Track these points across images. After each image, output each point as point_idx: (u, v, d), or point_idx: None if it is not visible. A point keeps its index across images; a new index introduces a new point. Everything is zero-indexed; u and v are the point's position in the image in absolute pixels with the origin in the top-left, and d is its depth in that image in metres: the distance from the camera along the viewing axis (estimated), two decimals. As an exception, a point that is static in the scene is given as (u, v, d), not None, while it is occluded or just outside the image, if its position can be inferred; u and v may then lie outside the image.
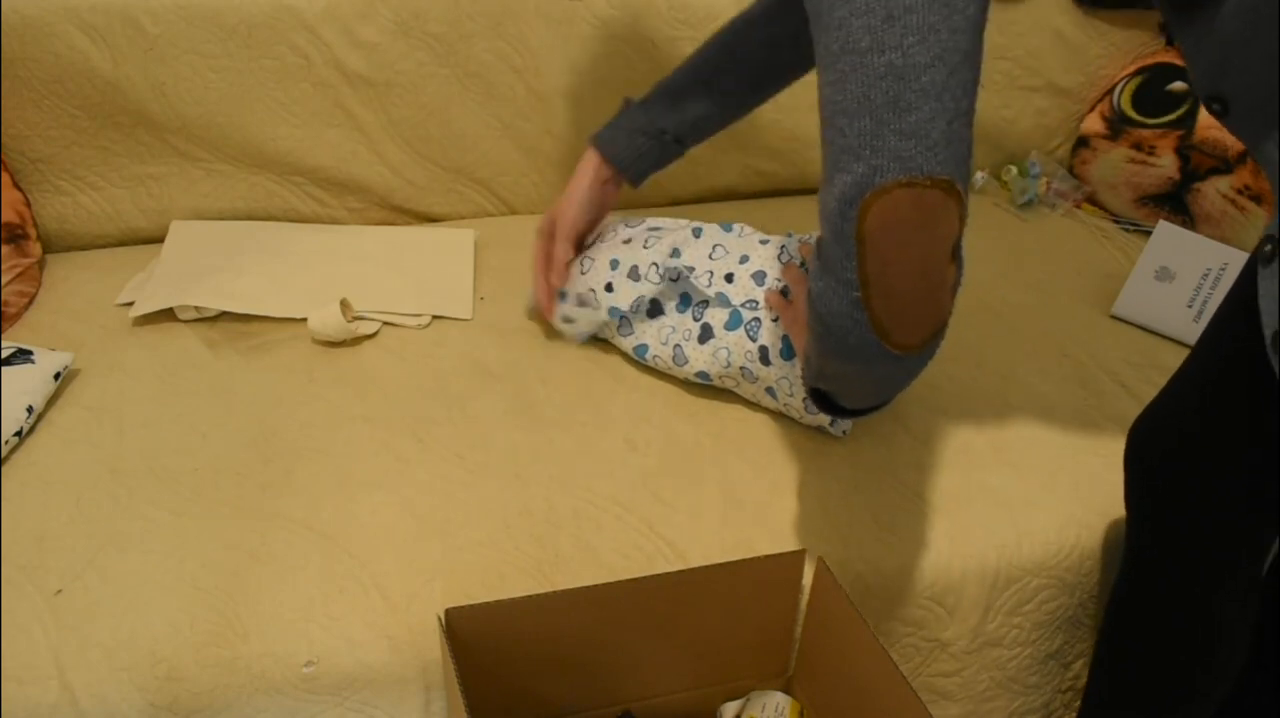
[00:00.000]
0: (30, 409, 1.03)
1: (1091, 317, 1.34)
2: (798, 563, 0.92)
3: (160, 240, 1.34)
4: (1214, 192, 1.44)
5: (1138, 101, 1.56)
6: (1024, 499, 1.05)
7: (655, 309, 1.16)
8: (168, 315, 1.21)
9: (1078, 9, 1.56)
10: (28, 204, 1.30)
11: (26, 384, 1.04)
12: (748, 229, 1.17)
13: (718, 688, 0.98)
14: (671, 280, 1.14)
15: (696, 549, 0.96)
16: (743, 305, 1.09)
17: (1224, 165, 1.45)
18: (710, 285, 1.11)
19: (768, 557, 0.91)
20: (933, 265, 0.66)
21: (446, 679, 0.85)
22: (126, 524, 0.94)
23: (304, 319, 1.20)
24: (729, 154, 1.56)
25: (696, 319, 1.12)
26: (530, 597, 0.85)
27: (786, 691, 0.99)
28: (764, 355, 1.07)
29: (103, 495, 0.97)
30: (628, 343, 1.17)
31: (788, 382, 1.06)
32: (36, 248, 1.29)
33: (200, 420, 1.06)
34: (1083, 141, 1.64)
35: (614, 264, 1.15)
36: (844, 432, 1.09)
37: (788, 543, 0.98)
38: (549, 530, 0.97)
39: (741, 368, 1.09)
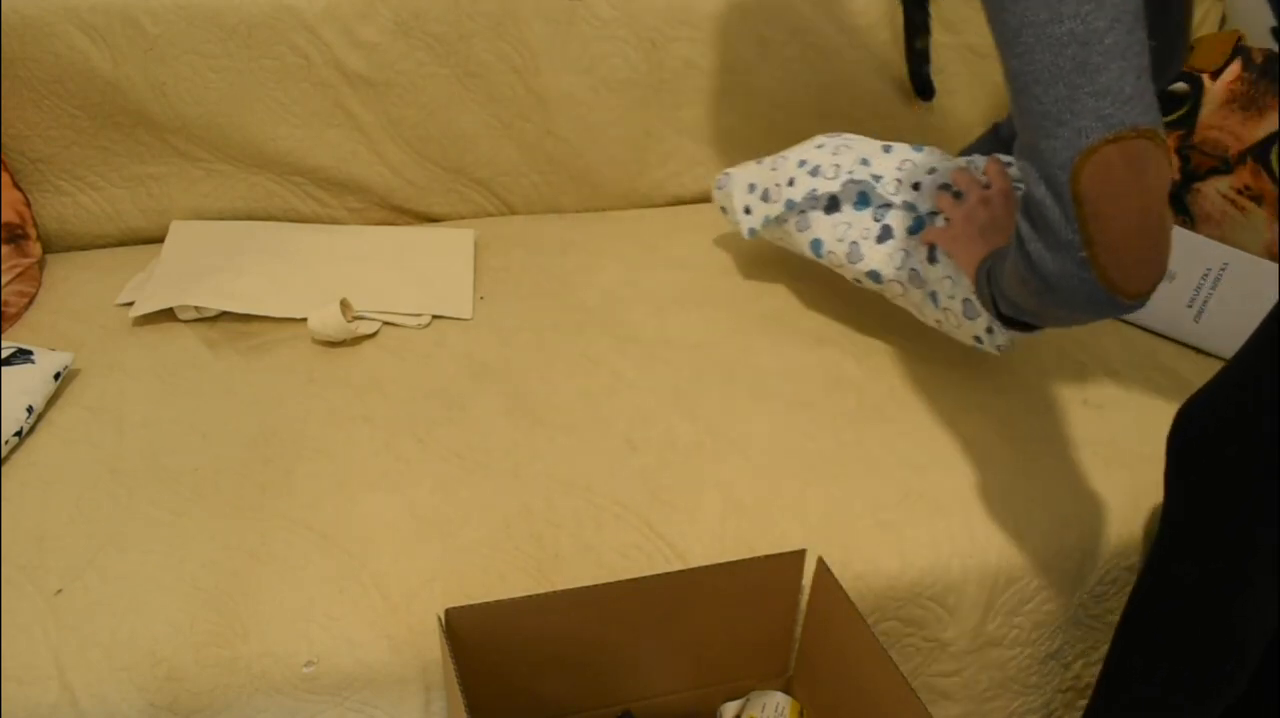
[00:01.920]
0: (30, 409, 1.03)
1: (1091, 317, 1.34)
2: (798, 563, 0.92)
3: (160, 240, 1.34)
4: (1214, 192, 1.44)
5: (1138, 101, 1.56)
6: (1024, 499, 1.05)
7: (833, 205, 1.19)
8: (168, 315, 1.21)
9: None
10: (28, 204, 1.30)
11: (26, 384, 1.04)
12: (937, 150, 1.21)
13: (718, 688, 0.98)
14: (852, 182, 1.17)
15: (696, 549, 0.96)
16: (928, 213, 1.13)
17: (1224, 165, 1.45)
18: (896, 193, 1.15)
19: (768, 557, 0.91)
20: (1152, 213, 0.70)
21: (446, 679, 0.85)
22: (126, 524, 0.94)
23: (304, 319, 1.20)
24: (729, 154, 1.56)
25: (878, 220, 1.16)
26: (530, 597, 0.85)
27: (786, 691, 0.99)
28: (931, 254, 1.10)
29: (103, 495, 0.97)
30: (804, 238, 1.21)
31: (950, 281, 1.09)
32: (36, 248, 1.29)
33: (200, 420, 1.06)
34: (1083, 141, 1.63)
35: (801, 163, 1.22)
36: (999, 347, 1.10)
37: (788, 543, 0.98)
38: (549, 530, 0.97)
39: (912, 269, 1.12)
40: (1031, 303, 0.81)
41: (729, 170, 1.33)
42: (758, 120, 1.54)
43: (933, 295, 1.12)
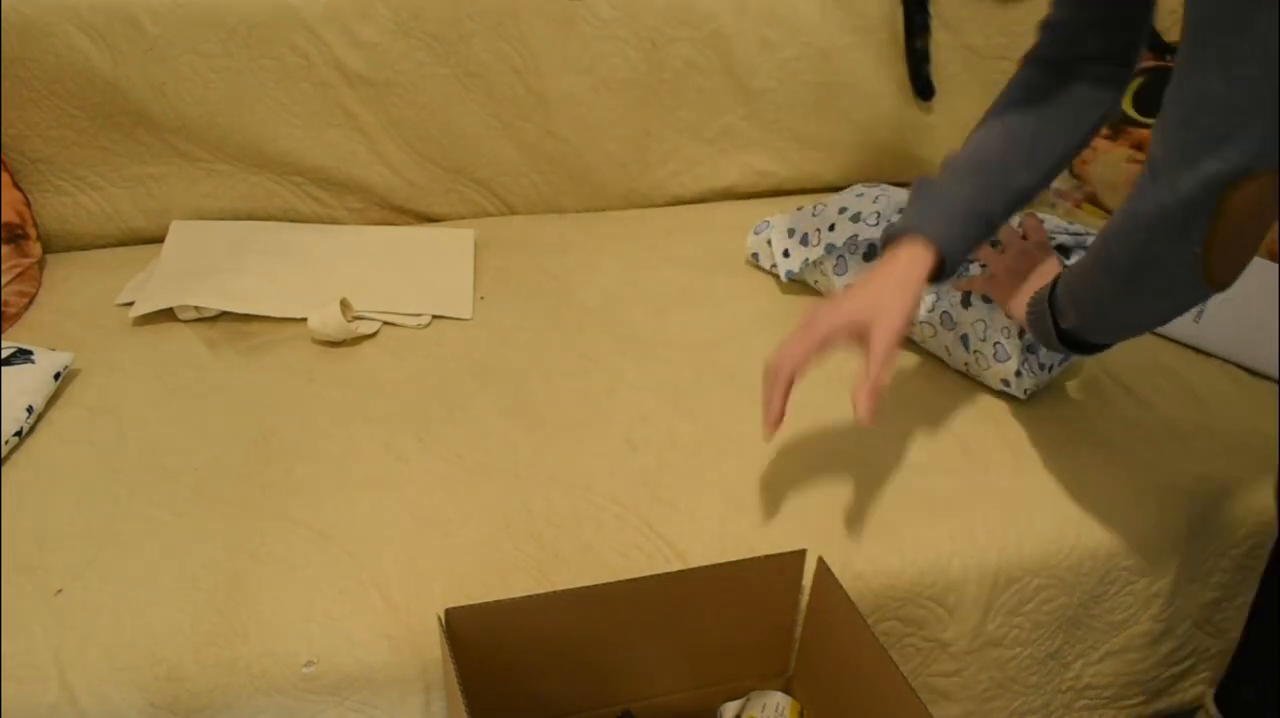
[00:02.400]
0: (30, 409, 1.03)
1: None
2: (798, 563, 0.92)
3: (160, 240, 1.34)
4: (1214, 192, 1.44)
5: (1139, 102, 1.56)
6: (1024, 499, 1.05)
7: (871, 253, 1.24)
8: (168, 315, 1.21)
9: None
10: (28, 204, 1.30)
11: (26, 384, 1.04)
12: None
13: (718, 688, 0.98)
14: None
15: (696, 549, 0.96)
16: None
17: (1224, 165, 1.45)
18: None
19: (768, 557, 0.91)
20: (1266, 230, 0.76)
21: (446, 679, 0.85)
22: (126, 524, 0.94)
23: (304, 319, 1.20)
24: (729, 154, 1.56)
25: None
26: (530, 597, 0.85)
27: (786, 691, 0.99)
28: (965, 299, 1.15)
29: (103, 496, 0.97)
30: (840, 281, 1.27)
31: (983, 324, 1.13)
32: (36, 248, 1.29)
33: (200, 420, 1.06)
34: (1083, 142, 1.63)
35: (842, 210, 1.28)
36: (1025, 390, 1.14)
37: (788, 543, 0.98)
38: (549, 530, 0.97)
39: (944, 313, 1.17)
40: (1115, 288, 0.83)
41: (769, 218, 1.38)
42: (758, 120, 1.54)
43: (964, 338, 1.16)
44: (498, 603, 0.84)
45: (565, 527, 0.97)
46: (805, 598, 0.95)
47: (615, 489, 1.01)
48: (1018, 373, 1.12)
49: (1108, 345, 0.97)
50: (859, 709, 0.88)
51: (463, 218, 1.48)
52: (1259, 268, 1.31)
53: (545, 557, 0.94)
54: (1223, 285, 0.79)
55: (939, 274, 0.92)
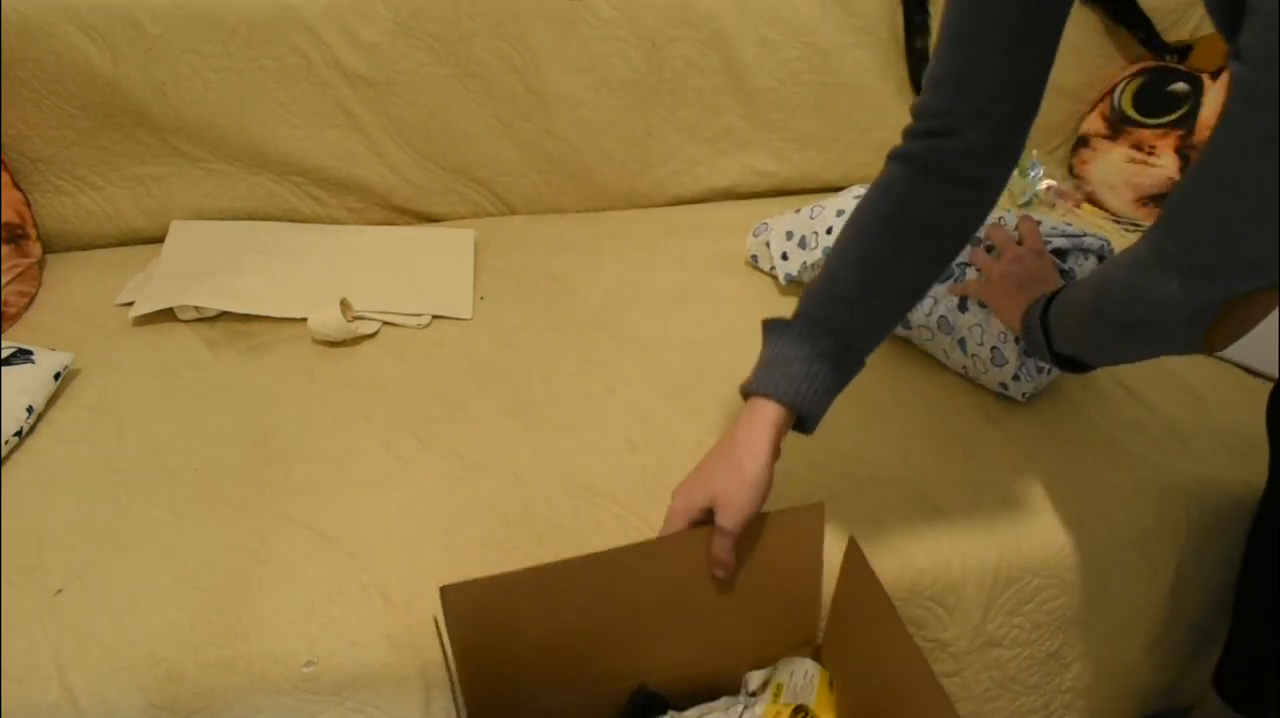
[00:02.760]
0: (30, 409, 1.03)
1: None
2: (817, 517, 0.89)
3: (160, 240, 1.34)
4: (1214, 192, 1.44)
5: (1138, 102, 1.56)
6: (1024, 499, 1.05)
7: None
8: (168, 315, 1.21)
9: (1078, 8, 1.55)
10: (28, 204, 1.30)
11: (26, 384, 1.04)
12: None
13: (741, 658, 0.95)
14: None
15: (696, 549, 0.96)
16: (958, 264, 1.16)
17: (1224, 165, 1.45)
18: None
19: (784, 511, 0.87)
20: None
21: (445, 660, 0.84)
22: (126, 524, 0.94)
23: (304, 319, 1.20)
24: (729, 154, 1.56)
25: None
26: (531, 569, 0.82)
27: (815, 659, 0.97)
28: (962, 304, 1.15)
29: (103, 495, 0.97)
30: None
31: (980, 329, 1.13)
32: (36, 248, 1.29)
33: (200, 420, 1.06)
34: (1083, 141, 1.64)
35: (839, 213, 1.27)
36: (1024, 394, 1.14)
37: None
38: (549, 530, 0.97)
39: (941, 317, 1.16)
40: (1114, 339, 0.80)
41: (767, 220, 1.37)
42: (758, 120, 1.55)
43: (961, 342, 1.16)
44: (498, 578, 0.81)
45: (565, 527, 0.97)
46: (827, 558, 0.92)
47: (615, 489, 1.01)
48: (1015, 377, 1.12)
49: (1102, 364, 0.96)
50: (886, 691, 0.86)
51: (463, 218, 1.48)
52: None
53: (545, 557, 0.94)
54: (1214, 349, 0.76)
55: (802, 424, 0.87)
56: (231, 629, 0.86)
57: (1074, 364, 0.94)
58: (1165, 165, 1.51)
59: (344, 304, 1.20)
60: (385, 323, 1.23)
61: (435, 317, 1.25)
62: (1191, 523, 1.06)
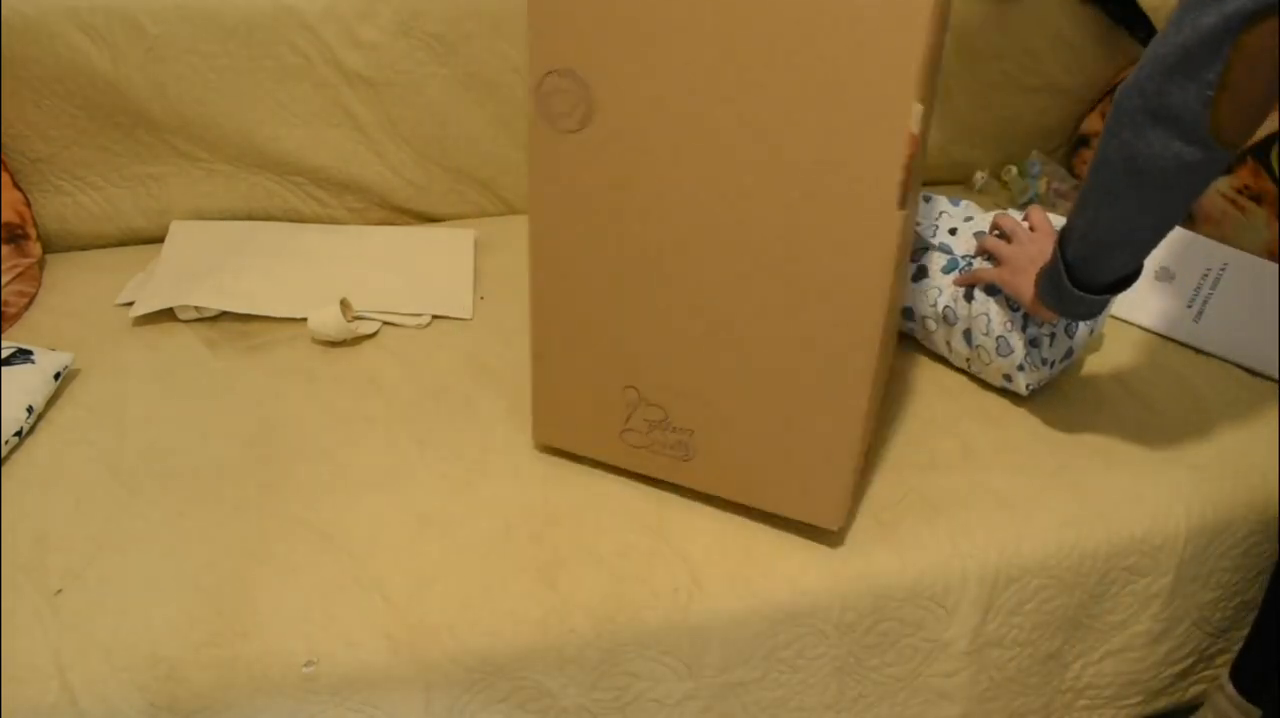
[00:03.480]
0: (30, 409, 1.03)
1: (1091, 317, 1.34)
2: None
3: (160, 240, 1.34)
4: (1214, 192, 1.44)
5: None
6: (1024, 499, 1.05)
7: None
8: (168, 315, 1.21)
9: (1078, 8, 1.56)
10: (28, 204, 1.30)
11: (26, 384, 1.04)
12: (973, 204, 1.25)
13: None
14: None
15: (696, 548, 0.96)
16: (962, 257, 1.17)
17: (1224, 165, 1.45)
18: (935, 236, 1.20)
19: None
20: (1276, 84, 0.78)
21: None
22: (126, 524, 0.94)
23: (304, 319, 1.20)
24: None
25: (914, 260, 1.19)
26: None
27: None
28: (968, 293, 1.14)
29: (103, 495, 0.97)
30: None
31: (986, 318, 1.13)
32: (36, 248, 1.29)
33: (200, 420, 1.06)
34: (1083, 141, 1.64)
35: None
36: (1027, 387, 1.14)
37: (789, 542, 0.98)
38: (549, 530, 0.97)
39: (946, 308, 1.16)
40: (1117, 152, 0.85)
41: None
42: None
43: (966, 333, 1.16)
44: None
45: (565, 527, 0.97)
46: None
47: (615, 489, 1.01)
48: (1020, 367, 1.12)
49: (1116, 287, 0.98)
50: None
51: (463, 218, 1.48)
52: (1259, 268, 1.31)
53: (545, 557, 0.94)
54: (1230, 144, 0.80)
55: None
56: (231, 629, 0.86)
57: (1089, 288, 0.96)
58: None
59: (344, 304, 1.20)
60: (385, 323, 1.23)
61: (435, 317, 1.25)
62: (1192, 522, 1.06)
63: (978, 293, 1.14)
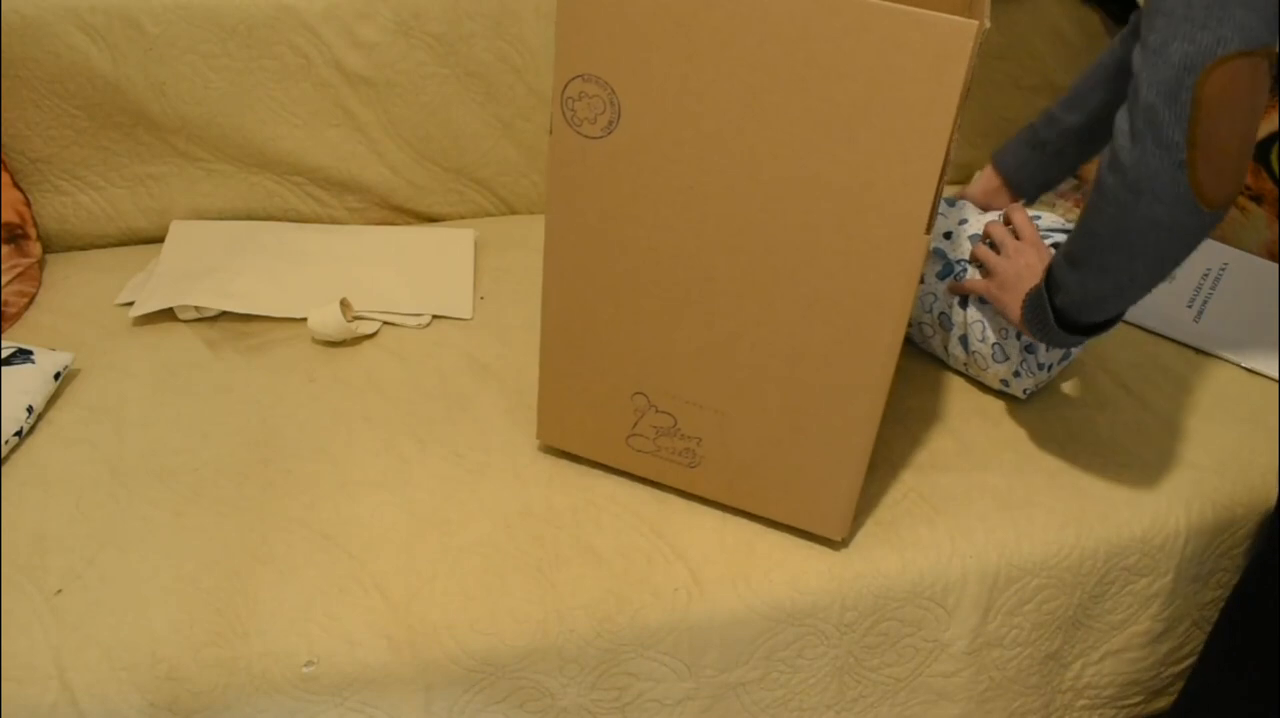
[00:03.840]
0: (30, 409, 1.03)
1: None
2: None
3: (160, 240, 1.34)
4: (1214, 191, 1.44)
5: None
6: (1024, 499, 1.05)
7: None
8: (168, 315, 1.21)
9: (1078, 8, 1.56)
10: (28, 204, 1.30)
11: (26, 384, 1.04)
12: (969, 204, 1.24)
13: None
14: None
15: (696, 548, 0.96)
16: (957, 261, 1.16)
17: (1224, 165, 1.45)
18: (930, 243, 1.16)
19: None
20: (1252, 129, 0.74)
21: None
22: (126, 524, 0.94)
23: (304, 319, 1.20)
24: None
25: None
26: None
27: None
28: (963, 301, 1.15)
29: (103, 495, 0.97)
30: None
31: (981, 325, 1.13)
32: (36, 248, 1.29)
33: (200, 420, 1.06)
34: (1083, 141, 1.63)
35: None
36: (1025, 391, 1.14)
37: (789, 542, 0.98)
38: (549, 530, 0.97)
39: (941, 313, 1.16)
40: (1105, 227, 0.83)
41: None
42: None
43: (962, 339, 1.16)
44: None
45: (565, 527, 0.97)
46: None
47: (615, 489, 1.01)
48: (1016, 373, 1.12)
49: (1104, 327, 0.96)
50: None
51: (463, 218, 1.48)
52: (1259, 268, 1.31)
53: (545, 557, 0.94)
54: (1215, 204, 0.76)
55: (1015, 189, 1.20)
56: (231, 629, 0.86)
57: (1076, 328, 0.95)
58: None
59: (344, 304, 1.20)
60: (385, 323, 1.23)
61: (435, 317, 1.25)
62: (1191, 523, 1.06)
63: (971, 300, 1.14)
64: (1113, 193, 0.80)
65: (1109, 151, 0.80)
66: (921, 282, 1.18)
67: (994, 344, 1.12)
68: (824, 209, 0.81)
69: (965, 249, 1.17)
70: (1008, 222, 1.13)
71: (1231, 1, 0.70)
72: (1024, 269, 1.06)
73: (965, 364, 1.18)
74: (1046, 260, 1.08)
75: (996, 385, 1.16)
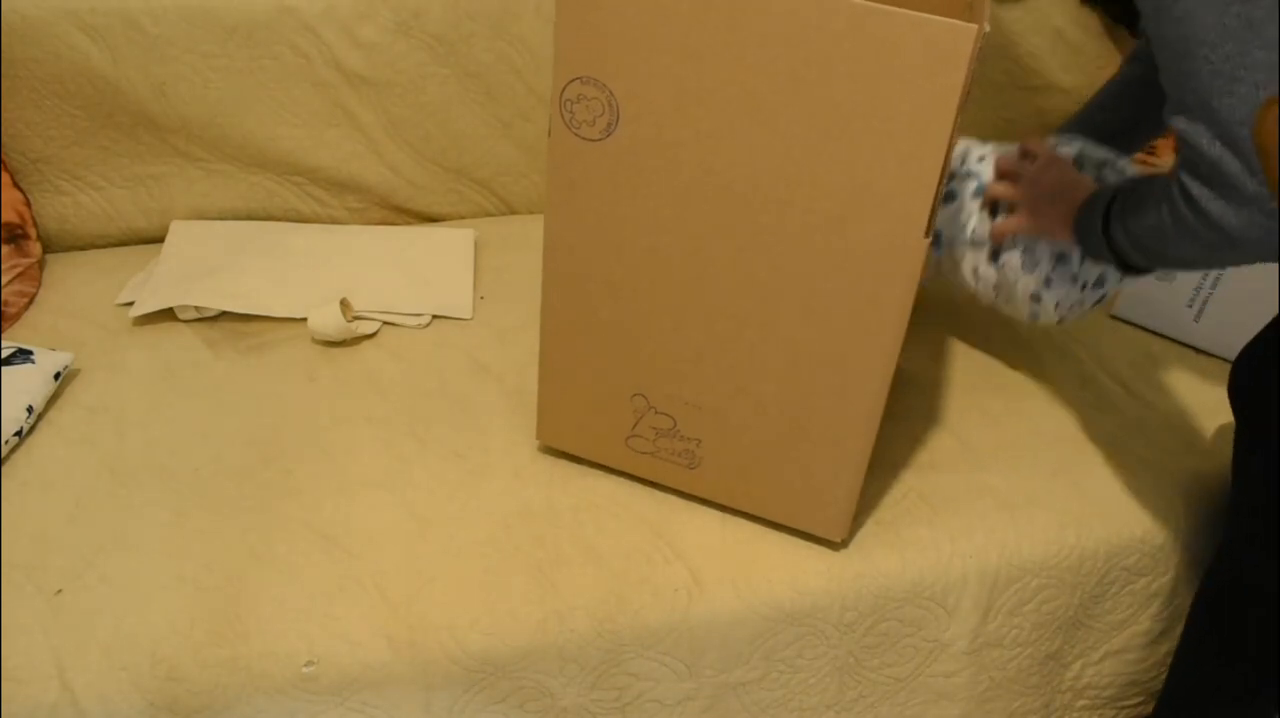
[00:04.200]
0: (30, 409, 1.03)
1: (1092, 317, 1.34)
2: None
3: (160, 240, 1.34)
4: (1214, 191, 1.44)
5: (1138, 102, 1.56)
6: (1024, 499, 1.05)
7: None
8: (168, 315, 1.21)
9: (1078, 8, 1.56)
10: (28, 204, 1.30)
11: (26, 384, 1.04)
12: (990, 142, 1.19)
13: None
14: None
15: (696, 549, 0.96)
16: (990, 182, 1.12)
17: (1224, 165, 1.45)
18: (964, 165, 1.14)
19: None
20: None
21: None
22: (126, 524, 0.94)
23: (304, 319, 1.20)
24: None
25: (946, 185, 1.13)
26: None
27: None
28: (993, 210, 1.09)
29: (103, 495, 0.97)
30: None
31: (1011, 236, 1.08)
32: (36, 248, 1.29)
33: (200, 420, 1.06)
34: (1083, 141, 1.63)
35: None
36: (1057, 306, 1.09)
37: (788, 542, 0.98)
38: (549, 530, 0.97)
39: (974, 229, 1.11)
40: (1197, 255, 0.82)
41: None
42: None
43: (994, 252, 1.11)
44: None
45: (565, 527, 0.97)
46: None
47: (615, 489, 1.01)
48: (1047, 281, 1.07)
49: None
50: None
51: (463, 218, 1.48)
52: (1259, 268, 1.31)
53: (545, 557, 0.94)
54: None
55: None
56: (231, 629, 0.86)
57: (1137, 269, 0.93)
58: (1165, 165, 1.51)
59: (344, 304, 1.20)
60: (385, 323, 1.23)
61: (435, 317, 1.25)
62: (1192, 523, 1.06)
63: (1002, 207, 1.09)
64: (1199, 239, 0.78)
65: (1187, 205, 0.78)
66: (956, 199, 1.13)
67: (1024, 249, 1.07)
68: (823, 212, 0.81)
69: (992, 188, 1.12)
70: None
71: (1250, 46, 0.70)
72: (1051, 184, 1.02)
73: (996, 287, 1.12)
74: (1068, 169, 1.04)
75: (1028, 308, 1.11)
